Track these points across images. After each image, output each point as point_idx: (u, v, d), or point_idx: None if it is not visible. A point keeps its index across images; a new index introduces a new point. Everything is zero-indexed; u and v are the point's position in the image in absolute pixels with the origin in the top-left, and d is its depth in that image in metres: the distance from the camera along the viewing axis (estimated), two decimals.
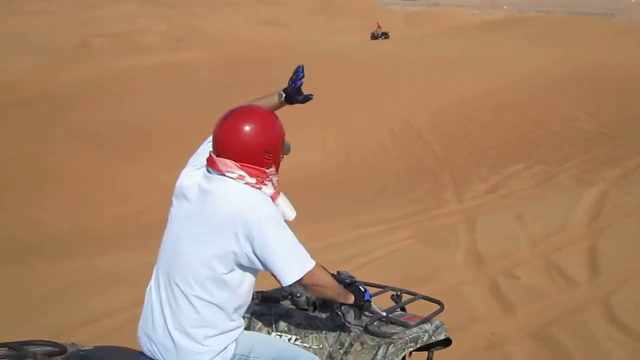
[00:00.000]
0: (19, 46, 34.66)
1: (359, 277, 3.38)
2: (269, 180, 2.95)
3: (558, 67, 31.77)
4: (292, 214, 3.03)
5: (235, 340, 2.94)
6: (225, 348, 2.88)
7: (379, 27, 54.14)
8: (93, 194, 18.11)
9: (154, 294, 2.95)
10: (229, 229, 2.76)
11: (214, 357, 2.85)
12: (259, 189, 2.89)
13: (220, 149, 2.87)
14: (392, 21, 75.91)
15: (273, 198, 2.95)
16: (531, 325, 6.98)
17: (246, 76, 27.94)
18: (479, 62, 32.71)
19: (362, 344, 3.10)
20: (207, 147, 3.09)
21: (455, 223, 11.45)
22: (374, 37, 52.26)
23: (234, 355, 2.94)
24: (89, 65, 31.22)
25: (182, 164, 3.28)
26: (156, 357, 2.89)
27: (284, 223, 2.90)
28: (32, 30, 41.64)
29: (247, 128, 2.84)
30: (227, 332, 2.89)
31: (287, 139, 3.11)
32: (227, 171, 2.84)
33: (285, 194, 3.05)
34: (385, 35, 52.71)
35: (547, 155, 18.54)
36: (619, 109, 24.30)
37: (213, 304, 2.82)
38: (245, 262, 2.83)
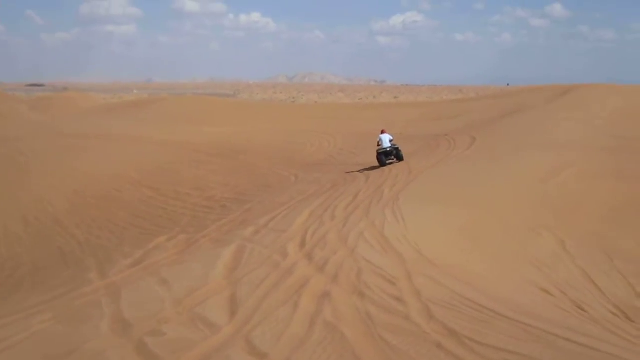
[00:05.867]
0: None
1: None
2: None
3: (190, 142, 33.58)
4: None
5: None
6: None
7: None
8: None
9: None
10: None
11: None
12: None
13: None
14: (16, 108, 71.93)
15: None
16: None
17: None
18: (109, 142, 32.75)
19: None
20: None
21: (100, 298, 11.06)
22: None
23: None
24: None
25: None
26: None
27: None
28: None
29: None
30: None
31: None
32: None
33: None
34: None
35: (188, 225, 19.18)
36: (250, 178, 26.58)
37: None
38: None
